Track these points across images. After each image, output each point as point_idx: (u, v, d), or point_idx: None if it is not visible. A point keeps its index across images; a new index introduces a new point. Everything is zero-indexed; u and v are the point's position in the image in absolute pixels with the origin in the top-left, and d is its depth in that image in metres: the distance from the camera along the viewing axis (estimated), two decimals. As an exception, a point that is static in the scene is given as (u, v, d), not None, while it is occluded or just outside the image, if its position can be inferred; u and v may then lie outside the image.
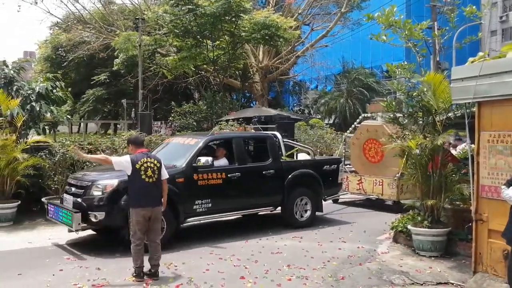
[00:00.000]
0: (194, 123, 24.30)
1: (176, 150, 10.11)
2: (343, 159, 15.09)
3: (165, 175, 7.34)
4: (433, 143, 8.62)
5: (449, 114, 9.00)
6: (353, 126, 15.78)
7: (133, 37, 28.03)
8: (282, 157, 11.27)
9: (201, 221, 10.01)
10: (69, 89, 16.21)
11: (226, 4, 23.92)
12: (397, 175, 12.92)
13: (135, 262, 7.11)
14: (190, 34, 25.64)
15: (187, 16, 24.58)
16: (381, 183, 13.47)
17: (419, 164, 9.03)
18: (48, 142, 12.54)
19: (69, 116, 14.88)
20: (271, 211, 11.01)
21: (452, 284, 7.25)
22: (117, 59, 29.61)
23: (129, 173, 7.12)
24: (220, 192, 9.78)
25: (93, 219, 8.50)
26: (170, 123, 27.10)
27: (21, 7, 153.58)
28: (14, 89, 13.19)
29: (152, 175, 7.11)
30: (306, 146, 13.25)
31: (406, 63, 10.07)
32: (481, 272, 7.11)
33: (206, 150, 10.18)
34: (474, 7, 9.52)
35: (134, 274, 7.12)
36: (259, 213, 11.51)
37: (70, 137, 15.71)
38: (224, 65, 28.48)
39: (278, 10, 30.85)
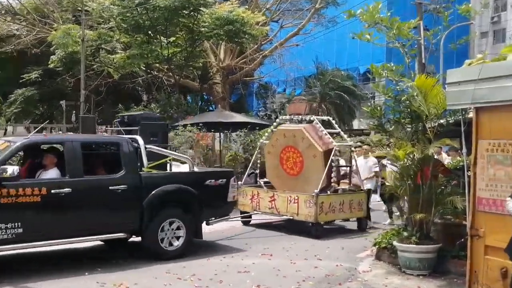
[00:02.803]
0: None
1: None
2: (257, 171, 14.81)
3: None
4: (424, 152, 9.00)
5: (441, 121, 9.36)
6: (269, 130, 15.04)
7: (74, 31, 27.83)
8: (143, 169, 10.08)
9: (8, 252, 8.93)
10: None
11: (183, -4, 24.01)
12: (316, 190, 12.41)
13: None
14: (141, 29, 25.61)
15: (138, 9, 24.61)
16: (296, 201, 12.69)
17: (407, 175, 9.40)
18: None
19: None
20: (127, 238, 10.17)
21: (444, 304, 7.54)
22: (53, 56, 29.25)
23: None
24: (38, 214, 8.57)
25: None
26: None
27: None
28: None
29: None
30: (182, 155, 12.14)
31: (392, 64, 10.41)
32: (476, 292, 7.32)
33: (32, 157, 9.72)
34: (470, 5, 9.97)
35: None
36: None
37: None
38: (180, 64, 28.54)
39: (243, 4, 31.13)
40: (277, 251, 10.81)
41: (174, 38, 27.06)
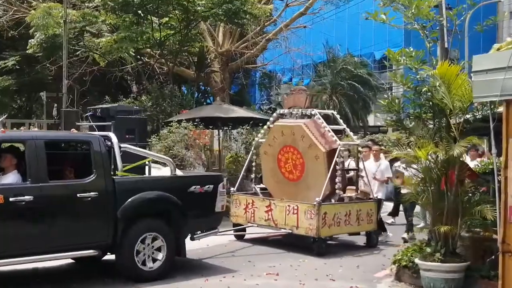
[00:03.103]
0: (135, 124, 23.93)
1: None
2: (253, 175, 14.19)
3: None
4: (448, 153, 8.67)
5: (468, 116, 9.09)
6: (266, 126, 14.23)
7: (55, 10, 27.54)
8: (117, 172, 9.56)
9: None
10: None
11: (177, -29, 23.78)
12: (318, 198, 11.80)
13: None
14: (130, 8, 25.31)
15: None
16: (296, 211, 12.07)
17: (430, 180, 9.11)
18: None
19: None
20: (100, 257, 9.76)
21: (473, 333, 7.35)
22: (32, 40, 29.04)
23: None
24: None
25: None
26: (103, 124, 26.62)
27: None
28: None
29: None
30: (162, 156, 11.53)
31: (412, 49, 10.11)
32: (509, 318, 7.14)
33: None
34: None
35: None
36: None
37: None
38: (174, 49, 28.26)
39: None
40: (283, 270, 10.51)
41: (167, 19, 26.79)
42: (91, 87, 33.11)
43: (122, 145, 9.77)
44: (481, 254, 8.90)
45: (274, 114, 13.90)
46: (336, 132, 13.00)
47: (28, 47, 29.23)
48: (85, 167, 9.38)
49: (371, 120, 40.51)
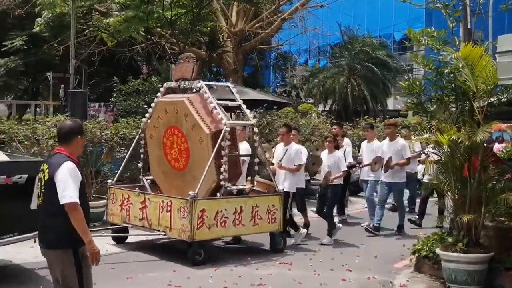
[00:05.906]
0: (145, 106, 23.94)
1: None
2: (140, 164, 11.98)
3: (63, 196, 5.37)
4: (471, 138, 8.55)
5: (492, 99, 9.01)
6: (153, 104, 11.99)
7: (62, -12, 27.51)
8: None
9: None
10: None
11: None
12: (192, 193, 9.78)
13: None
14: (140, -15, 25.31)
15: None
16: (169, 208, 10.11)
17: (452, 167, 9.01)
18: None
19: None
20: None
21: (497, 328, 7.29)
22: (39, 18, 29.10)
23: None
24: None
25: None
26: (111, 106, 26.64)
27: None
28: None
29: (40, 193, 5.68)
30: None
31: (433, 29, 10.02)
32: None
33: None
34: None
35: None
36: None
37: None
38: (186, 29, 28.22)
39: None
40: (298, 259, 10.45)
41: (178, -4, 26.72)
42: (99, 68, 33.13)
43: None
44: (506, 245, 8.82)
45: (161, 88, 11.88)
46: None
47: (35, 26, 29.29)
48: None
49: (391, 103, 40.35)
